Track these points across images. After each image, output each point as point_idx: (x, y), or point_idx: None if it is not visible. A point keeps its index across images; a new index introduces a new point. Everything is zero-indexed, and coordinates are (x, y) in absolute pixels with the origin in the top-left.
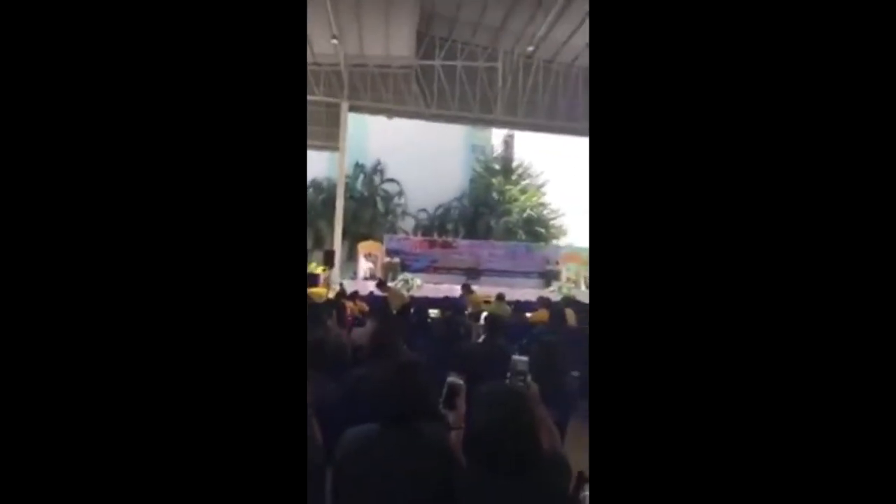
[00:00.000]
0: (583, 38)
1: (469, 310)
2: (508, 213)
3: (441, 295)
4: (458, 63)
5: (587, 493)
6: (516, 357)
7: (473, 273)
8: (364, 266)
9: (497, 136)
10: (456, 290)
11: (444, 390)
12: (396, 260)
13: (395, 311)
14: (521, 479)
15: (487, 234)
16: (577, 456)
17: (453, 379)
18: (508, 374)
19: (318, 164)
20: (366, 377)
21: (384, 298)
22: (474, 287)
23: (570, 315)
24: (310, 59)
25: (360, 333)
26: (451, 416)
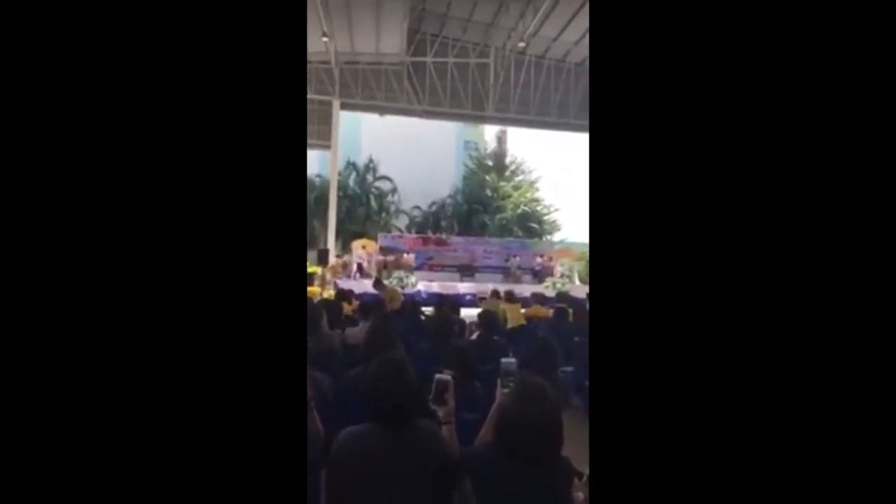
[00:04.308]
0: (573, 33)
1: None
2: (502, 209)
3: (437, 292)
4: (450, 60)
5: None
6: (505, 360)
7: (468, 270)
8: (358, 264)
9: (489, 132)
10: (451, 288)
11: (433, 387)
12: (391, 258)
13: (390, 310)
14: (542, 470)
15: (482, 230)
16: (571, 450)
17: (441, 375)
18: (499, 377)
19: (311, 163)
20: (359, 377)
21: (379, 297)
22: (468, 282)
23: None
24: None
25: (355, 333)
26: (441, 412)
